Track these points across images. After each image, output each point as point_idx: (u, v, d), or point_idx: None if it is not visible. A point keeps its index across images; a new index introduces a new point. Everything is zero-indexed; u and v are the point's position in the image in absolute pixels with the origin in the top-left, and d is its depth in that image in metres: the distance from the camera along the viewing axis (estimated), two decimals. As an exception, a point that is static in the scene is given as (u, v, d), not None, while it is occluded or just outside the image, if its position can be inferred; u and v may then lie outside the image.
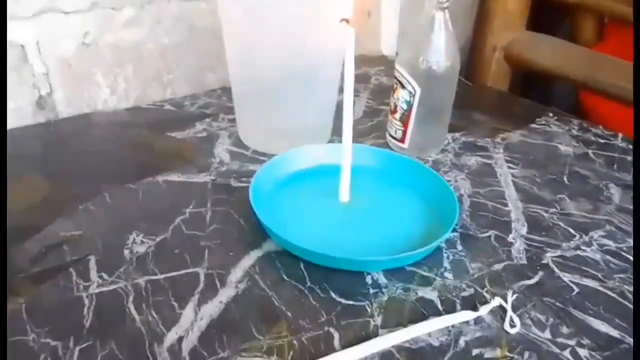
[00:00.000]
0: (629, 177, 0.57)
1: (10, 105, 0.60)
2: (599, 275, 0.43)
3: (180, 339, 0.35)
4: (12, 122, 0.60)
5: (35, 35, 0.59)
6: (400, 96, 0.56)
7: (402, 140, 0.58)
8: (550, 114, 0.70)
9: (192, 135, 0.61)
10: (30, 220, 0.45)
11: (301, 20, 0.50)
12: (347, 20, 0.41)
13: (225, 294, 0.39)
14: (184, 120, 0.64)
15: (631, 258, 0.45)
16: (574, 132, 0.67)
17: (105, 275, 0.40)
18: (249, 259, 0.42)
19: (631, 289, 0.42)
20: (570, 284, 0.42)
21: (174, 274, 0.40)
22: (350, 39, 0.41)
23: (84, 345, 0.34)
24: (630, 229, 0.49)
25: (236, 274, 0.41)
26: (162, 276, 0.40)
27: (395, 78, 0.56)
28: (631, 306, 0.40)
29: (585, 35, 1.00)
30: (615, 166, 0.59)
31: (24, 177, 0.51)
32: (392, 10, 0.51)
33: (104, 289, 0.39)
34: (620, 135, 0.66)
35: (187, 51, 0.70)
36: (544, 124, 0.68)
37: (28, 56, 0.59)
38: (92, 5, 0.61)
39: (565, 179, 0.57)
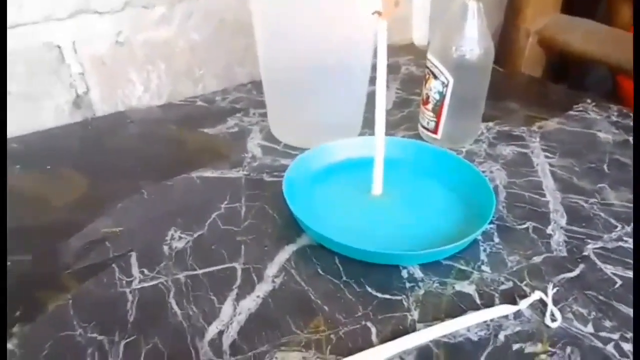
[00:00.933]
0: (673, 165, 0.55)
1: (49, 104, 0.62)
2: (643, 267, 0.42)
3: (220, 333, 0.36)
4: (50, 122, 0.62)
5: (71, 36, 0.60)
6: (433, 86, 0.55)
7: (434, 132, 0.57)
8: (589, 100, 0.68)
9: (224, 131, 0.62)
10: (73, 217, 0.47)
11: (331, 11, 0.49)
12: (379, 13, 0.41)
13: (262, 289, 0.39)
14: (215, 116, 0.65)
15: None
16: (614, 118, 0.64)
17: (146, 271, 0.41)
18: (285, 254, 0.43)
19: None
20: (613, 277, 0.41)
21: (212, 269, 0.41)
22: (383, 32, 0.41)
23: (128, 340, 0.35)
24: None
25: (272, 268, 0.41)
26: (201, 271, 0.41)
27: (427, 68, 0.55)
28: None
29: (622, 17, 0.96)
30: (658, 153, 0.57)
31: (63, 174, 0.53)
32: (417, 1, 0.50)
33: (146, 284, 0.40)
34: (663, 120, 0.63)
35: (217, 46, 0.71)
36: (581, 111, 0.66)
37: (65, 56, 0.61)
38: (124, 5, 0.62)
39: (605, 167, 0.55)
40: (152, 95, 0.69)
